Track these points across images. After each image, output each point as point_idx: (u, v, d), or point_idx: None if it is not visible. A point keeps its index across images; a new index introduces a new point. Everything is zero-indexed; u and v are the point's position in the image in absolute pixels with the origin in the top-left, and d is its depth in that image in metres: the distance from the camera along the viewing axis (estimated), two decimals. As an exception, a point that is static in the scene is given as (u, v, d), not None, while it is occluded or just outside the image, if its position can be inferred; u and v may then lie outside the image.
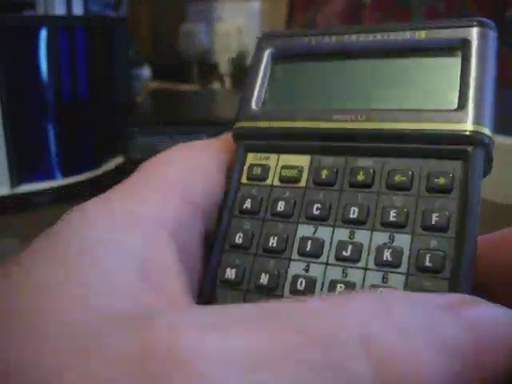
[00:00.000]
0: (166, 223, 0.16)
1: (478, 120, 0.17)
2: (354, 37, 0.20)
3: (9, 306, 0.13)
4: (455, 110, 0.17)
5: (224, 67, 0.91)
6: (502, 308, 0.14)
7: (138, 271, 0.14)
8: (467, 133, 0.17)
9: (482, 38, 0.18)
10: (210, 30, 0.93)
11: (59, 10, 0.54)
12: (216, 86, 0.97)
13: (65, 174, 0.53)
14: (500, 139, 0.56)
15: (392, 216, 0.17)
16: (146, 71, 0.94)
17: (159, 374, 0.11)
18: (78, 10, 0.56)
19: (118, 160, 0.58)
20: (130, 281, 0.14)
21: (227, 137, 0.21)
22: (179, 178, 0.18)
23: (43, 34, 0.50)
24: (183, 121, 0.54)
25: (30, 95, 0.51)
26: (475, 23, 0.18)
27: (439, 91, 0.18)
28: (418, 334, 0.12)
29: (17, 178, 0.49)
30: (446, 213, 0.16)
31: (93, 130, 0.57)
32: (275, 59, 0.21)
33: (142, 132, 0.52)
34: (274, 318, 0.12)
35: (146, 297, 0.14)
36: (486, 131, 0.17)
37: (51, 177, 0.52)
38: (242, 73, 0.92)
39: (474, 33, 0.18)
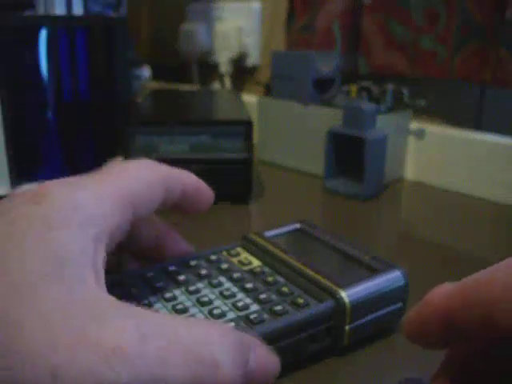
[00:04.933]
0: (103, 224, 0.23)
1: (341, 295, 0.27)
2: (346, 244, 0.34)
3: None
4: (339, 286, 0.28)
5: (224, 67, 0.91)
6: None
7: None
8: (334, 294, 0.28)
9: None
10: (209, 30, 0.93)
11: (59, 10, 0.54)
12: (216, 85, 0.97)
13: (64, 174, 0.53)
14: (501, 140, 0.55)
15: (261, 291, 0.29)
16: (146, 71, 0.94)
17: None
18: (78, 9, 0.56)
19: (118, 160, 0.58)
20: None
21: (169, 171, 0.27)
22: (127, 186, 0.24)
23: (43, 34, 0.50)
24: (183, 121, 0.54)
25: (30, 95, 0.51)
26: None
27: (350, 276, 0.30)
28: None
29: (17, 178, 0.49)
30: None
31: (93, 130, 0.57)
32: (301, 230, 0.36)
33: (142, 132, 0.52)
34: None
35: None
36: (343, 298, 0.27)
37: (51, 177, 0.52)
38: (242, 73, 0.92)
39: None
